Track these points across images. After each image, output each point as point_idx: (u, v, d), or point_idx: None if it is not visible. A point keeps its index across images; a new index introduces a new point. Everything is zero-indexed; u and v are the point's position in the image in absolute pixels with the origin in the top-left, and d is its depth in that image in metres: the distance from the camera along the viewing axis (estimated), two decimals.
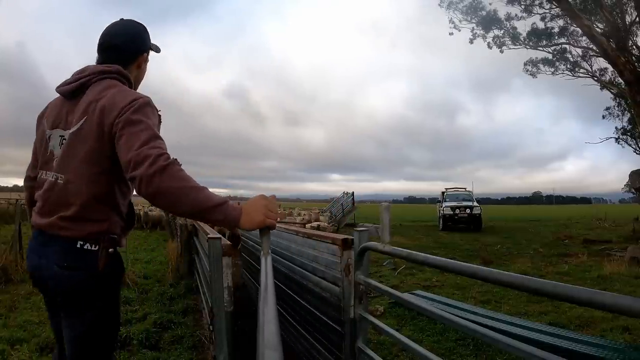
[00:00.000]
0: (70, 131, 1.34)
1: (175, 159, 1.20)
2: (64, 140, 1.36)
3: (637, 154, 20.30)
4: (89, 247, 1.32)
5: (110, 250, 1.36)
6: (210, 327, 2.39)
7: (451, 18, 16.78)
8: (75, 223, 1.32)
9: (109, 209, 1.36)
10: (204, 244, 3.04)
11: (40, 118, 1.50)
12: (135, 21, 1.55)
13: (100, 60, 1.48)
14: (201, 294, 3.74)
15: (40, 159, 1.44)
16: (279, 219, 1.28)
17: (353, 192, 19.79)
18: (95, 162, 1.31)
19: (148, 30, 1.57)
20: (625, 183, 22.42)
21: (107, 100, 1.30)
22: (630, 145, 20.38)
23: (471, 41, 16.94)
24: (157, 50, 1.62)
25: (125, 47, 1.48)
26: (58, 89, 1.44)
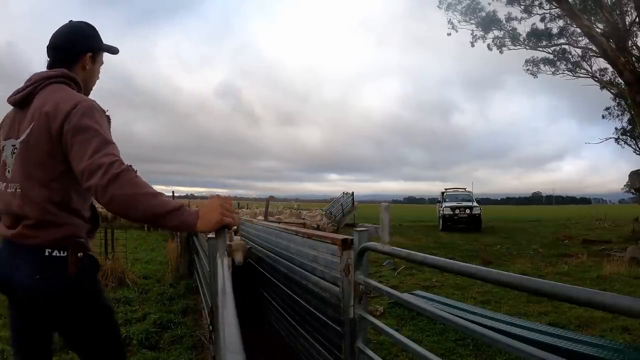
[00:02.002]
0: (20, 140, 1.35)
1: (130, 165, 1.20)
2: (15, 150, 1.36)
3: (636, 154, 20.32)
4: (58, 254, 1.32)
5: (79, 254, 1.34)
6: (210, 327, 2.39)
7: (450, 19, 16.79)
8: (39, 230, 1.31)
9: (67, 212, 1.35)
10: (203, 244, 3.04)
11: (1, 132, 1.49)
12: (83, 22, 1.54)
13: (49, 63, 1.48)
14: (201, 294, 3.75)
15: None
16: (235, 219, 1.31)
17: (353, 193, 19.79)
18: (47, 168, 1.31)
19: (97, 30, 1.55)
20: (625, 183, 22.45)
21: (51, 105, 1.30)
22: (630, 145, 20.40)
23: (472, 44, 16.96)
24: (113, 51, 1.60)
25: (67, 47, 1.47)
26: (8, 100, 1.44)
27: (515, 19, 16.07)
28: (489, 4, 16.00)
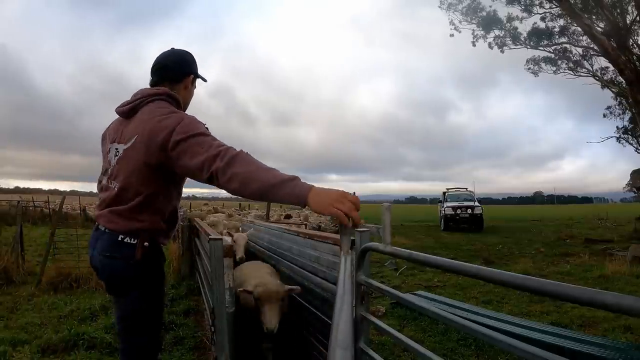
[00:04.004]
0: (125, 146, 1.55)
1: (242, 150, 1.34)
2: (118, 153, 1.58)
3: (638, 153, 20.26)
4: (129, 241, 1.53)
5: (145, 243, 1.55)
6: (212, 328, 2.39)
7: (451, 19, 16.79)
8: (120, 219, 1.54)
9: (151, 211, 1.56)
10: (205, 245, 3.04)
11: (104, 135, 1.74)
12: (185, 50, 1.76)
13: (152, 81, 1.69)
14: (203, 295, 3.75)
15: (103, 167, 1.67)
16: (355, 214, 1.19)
17: (354, 193, 19.78)
18: (143, 174, 1.51)
19: (194, 58, 1.76)
20: (626, 182, 22.38)
21: (156, 122, 1.47)
22: (631, 144, 20.35)
23: (473, 43, 16.96)
24: (204, 79, 1.81)
25: (173, 67, 1.69)
26: (116, 110, 1.65)
27: (516, 18, 16.08)
28: (490, 5, 16.00)
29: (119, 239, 1.53)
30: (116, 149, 1.58)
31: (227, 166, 1.29)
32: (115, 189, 1.55)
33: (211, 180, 1.35)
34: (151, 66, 1.70)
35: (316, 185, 1.23)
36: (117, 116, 1.69)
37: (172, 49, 1.74)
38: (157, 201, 1.57)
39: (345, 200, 1.18)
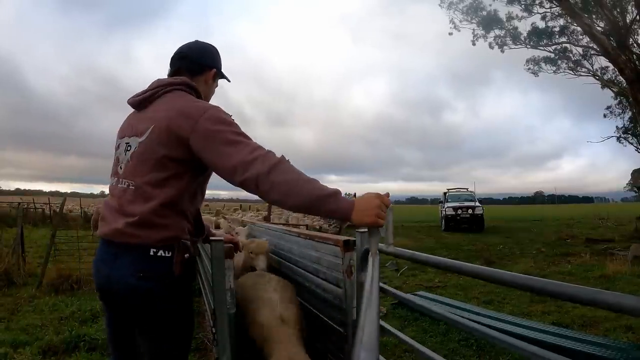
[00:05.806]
0: (140, 140, 1.36)
1: (283, 156, 1.24)
2: (129, 147, 1.39)
3: (638, 152, 20.26)
4: (163, 254, 1.31)
5: (186, 255, 1.36)
6: (213, 330, 2.39)
7: (452, 18, 16.81)
8: (143, 229, 1.30)
9: (175, 213, 1.34)
10: (205, 246, 3.04)
11: (118, 132, 1.54)
12: (208, 43, 1.62)
13: (170, 72, 1.54)
14: (203, 296, 3.74)
15: (112, 168, 1.46)
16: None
17: (355, 194, 19.79)
18: (164, 168, 1.31)
19: (219, 53, 1.63)
20: (627, 182, 22.39)
21: (176, 110, 1.32)
22: (631, 143, 20.35)
23: (473, 43, 16.98)
24: (227, 79, 1.67)
25: (195, 57, 1.54)
26: (128, 101, 1.49)
27: (516, 17, 16.10)
28: (490, 4, 16.03)
29: (151, 253, 1.30)
30: (127, 143, 1.40)
31: (269, 173, 1.17)
32: (130, 188, 1.34)
33: (245, 185, 1.22)
34: (171, 57, 1.57)
35: None
36: (132, 110, 1.53)
37: (196, 40, 1.61)
38: (181, 201, 1.36)
39: (383, 206, 1.22)
